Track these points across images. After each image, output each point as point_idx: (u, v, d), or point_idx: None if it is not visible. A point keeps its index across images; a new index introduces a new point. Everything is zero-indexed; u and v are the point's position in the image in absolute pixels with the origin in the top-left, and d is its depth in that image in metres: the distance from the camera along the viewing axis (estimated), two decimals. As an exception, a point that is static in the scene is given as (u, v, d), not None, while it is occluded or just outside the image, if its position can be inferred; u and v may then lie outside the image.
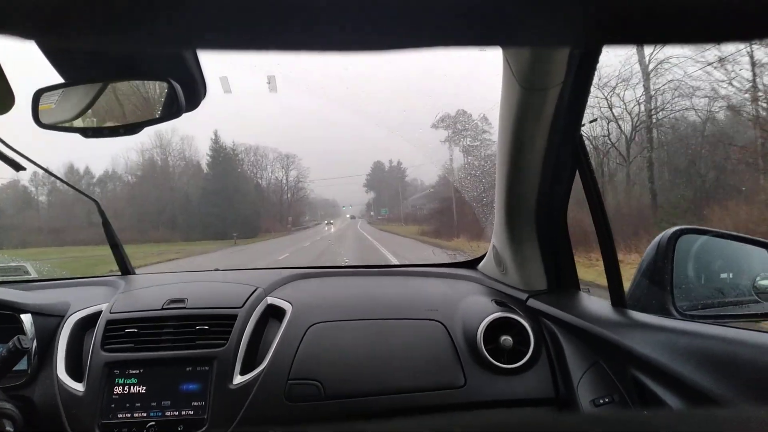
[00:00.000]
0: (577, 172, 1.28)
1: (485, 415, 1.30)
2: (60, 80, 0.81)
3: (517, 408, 1.32)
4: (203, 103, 0.89)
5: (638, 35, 0.26)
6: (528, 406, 1.32)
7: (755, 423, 0.33)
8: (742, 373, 0.81)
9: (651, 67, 6.53)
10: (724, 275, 1.25)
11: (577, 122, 1.22)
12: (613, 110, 6.92)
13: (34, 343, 1.36)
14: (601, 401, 1.14)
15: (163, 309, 1.43)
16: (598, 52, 1.11)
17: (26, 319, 1.39)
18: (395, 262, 8.12)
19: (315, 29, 0.23)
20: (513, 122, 1.24)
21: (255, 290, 1.53)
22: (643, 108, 6.87)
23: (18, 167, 1.25)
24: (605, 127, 6.97)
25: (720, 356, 0.86)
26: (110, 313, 1.42)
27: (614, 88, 6.84)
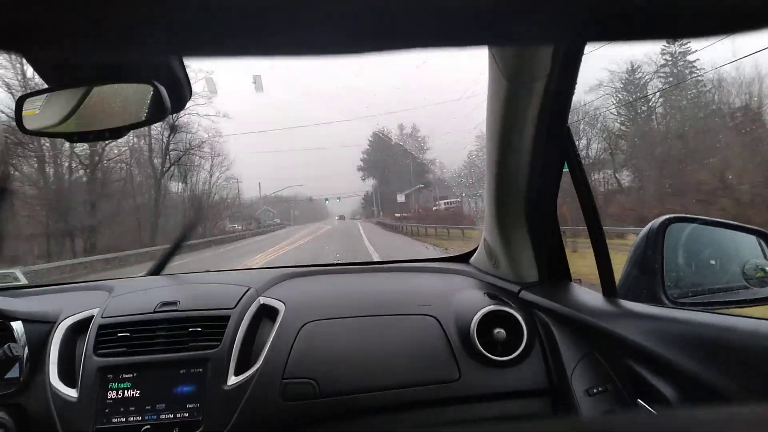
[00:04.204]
0: (566, 164, 1.29)
1: (479, 411, 1.31)
2: (44, 85, 0.80)
3: (510, 401, 1.33)
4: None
5: (621, 32, 0.26)
6: (522, 397, 1.33)
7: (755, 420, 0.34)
8: (731, 359, 0.82)
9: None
10: (713, 262, 1.26)
11: (564, 114, 1.23)
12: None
13: (26, 351, 1.34)
14: (595, 391, 1.15)
15: (155, 312, 1.42)
16: (582, 48, 1.12)
17: (17, 326, 1.37)
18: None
19: (302, 33, 0.23)
20: (501, 116, 1.24)
21: (247, 290, 1.52)
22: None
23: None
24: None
25: (710, 343, 0.87)
26: (102, 317, 1.41)
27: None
